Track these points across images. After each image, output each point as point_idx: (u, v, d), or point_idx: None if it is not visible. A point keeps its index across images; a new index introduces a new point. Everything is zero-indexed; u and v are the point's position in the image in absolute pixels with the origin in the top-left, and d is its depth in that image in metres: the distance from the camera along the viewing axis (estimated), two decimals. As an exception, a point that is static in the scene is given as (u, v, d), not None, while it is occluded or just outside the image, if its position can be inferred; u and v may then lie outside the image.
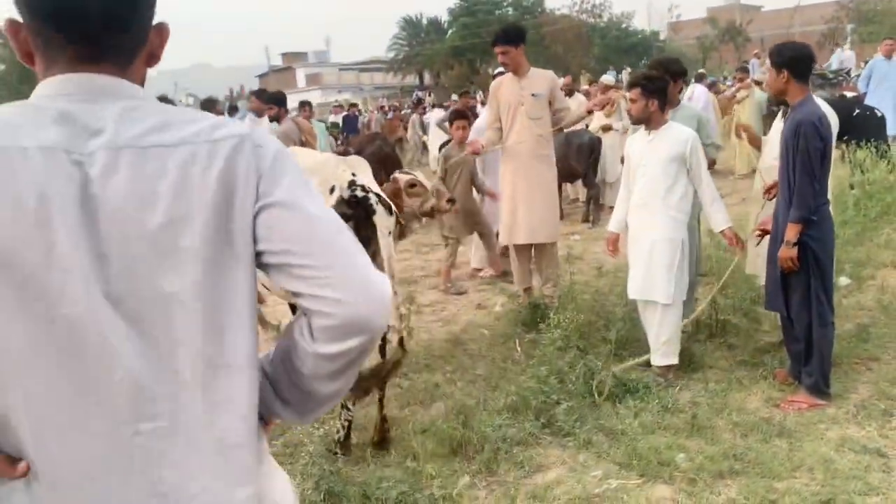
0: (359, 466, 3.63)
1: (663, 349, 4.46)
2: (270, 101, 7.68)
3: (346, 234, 1.24)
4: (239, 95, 52.49)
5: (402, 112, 21.79)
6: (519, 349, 5.04)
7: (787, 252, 3.97)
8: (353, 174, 3.59)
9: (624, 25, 48.16)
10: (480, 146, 5.75)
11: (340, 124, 18.26)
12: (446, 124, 8.72)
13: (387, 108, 22.69)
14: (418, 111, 20.18)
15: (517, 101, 5.63)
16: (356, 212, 3.47)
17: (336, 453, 3.63)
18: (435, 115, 15.13)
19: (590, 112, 6.89)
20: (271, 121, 7.44)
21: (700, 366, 4.61)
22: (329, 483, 3.21)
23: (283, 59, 67.96)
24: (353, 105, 20.35)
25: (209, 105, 10.53)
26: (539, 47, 38.47)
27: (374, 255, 3.45)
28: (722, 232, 4.48)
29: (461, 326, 5.63)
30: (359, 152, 13.21)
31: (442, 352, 5.12)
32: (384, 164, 8.67)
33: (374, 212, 3.49)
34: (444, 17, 51.16)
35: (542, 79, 5.71)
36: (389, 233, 3.53)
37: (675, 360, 4.48)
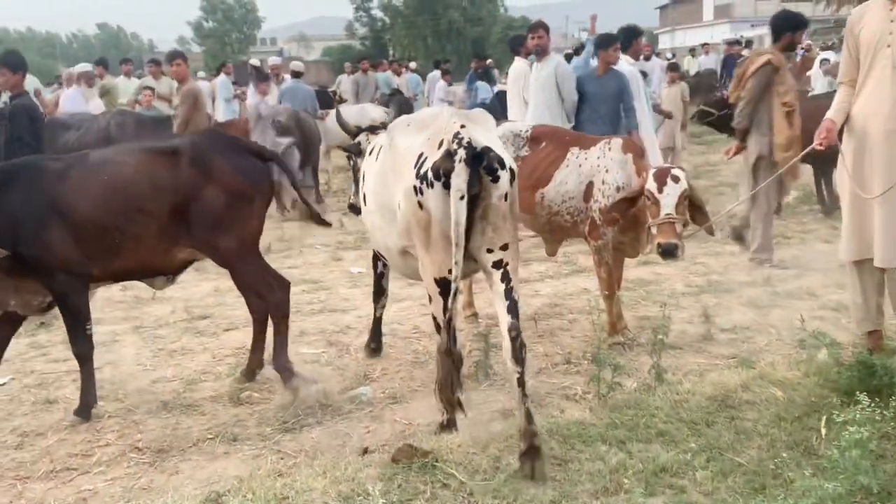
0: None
1: None
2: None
3: None
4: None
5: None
6: (823, 432, 3.57)
7: None
8: (463, 125, 3.52)
9: None
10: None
11: (720, 68, 16.42)
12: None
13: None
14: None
15: (881, 38, 3.97)
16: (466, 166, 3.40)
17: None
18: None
19: None
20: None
21: None
22: None
23: (691, -12, 64.89)
24: (737, 43, 18.08)
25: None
26: None
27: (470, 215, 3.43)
28: None
29: (742, 378, 4.22)
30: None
31: (694, 413, 3.85)
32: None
33: (453, 168, 3.39)
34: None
35: None
36: (462, 197, 3.35)
37: None
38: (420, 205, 3.52)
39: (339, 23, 69.02)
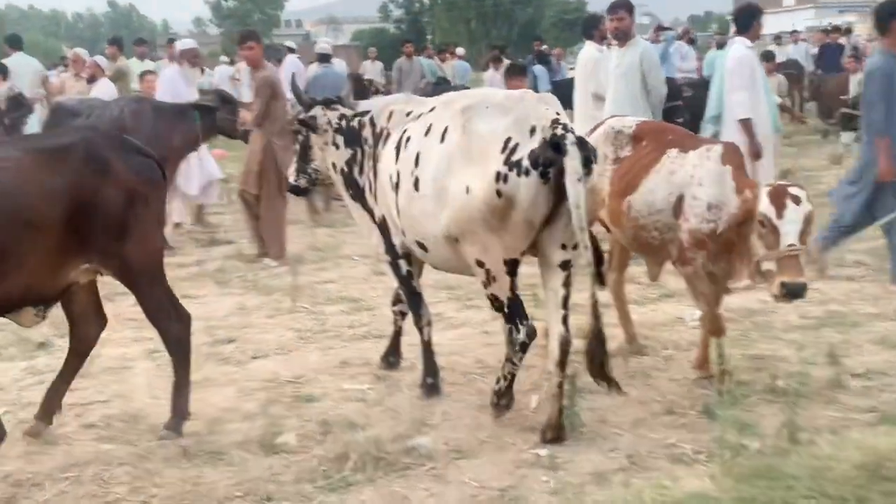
0: None
1: None
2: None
3: None
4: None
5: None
6: None
7: None
8: (558, 112, 3.87)
9: None
10: None
11: (813, 59, 15.88)
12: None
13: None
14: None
15: None
16: (557, 156, 3.71)
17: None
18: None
19: None
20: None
21: None
22: None
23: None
24: (836, 29, 17.44)
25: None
26: None
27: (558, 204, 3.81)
28: None
29: (892, 442, 3.77)
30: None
31: (841, 487, 3.41)
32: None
33: (566, 152, 3.69)
34: None
35: None
36: (579, 179, 3.69)
37: None
38: (499, 192, 3.74)
39: (373, 4, 69.21)
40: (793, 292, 4.02)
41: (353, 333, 5.79)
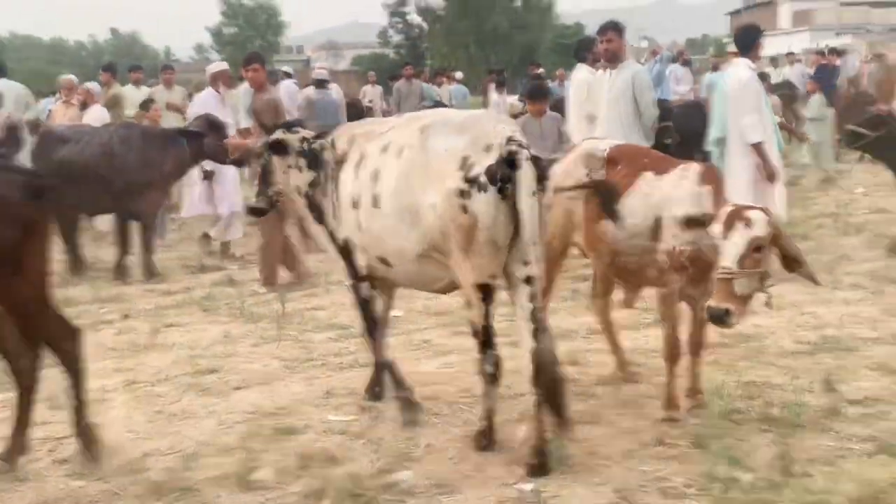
0: None
1: None
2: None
3: None
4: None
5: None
6: None
7: None
8: (514, 131, 3.94)
9: None
10: None
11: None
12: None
13: (891, 57, 19.10)
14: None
15: None
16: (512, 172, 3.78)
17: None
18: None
19: None
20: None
21: None
22: None
23: (766, -8, 64.34)
24: (833, 52, 17.38)
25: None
26: None
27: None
28: None
29: (892, 473, 3.62)
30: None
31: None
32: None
33: (519, 167, 3.76)
34: None
35: None
36: (532, 194, 3.78)
37: None
38: (464, 208, 3.79)
39: (373, 29, 69.54)
40: (712, 317, 3.85)
41: (340, 362, 5.64)
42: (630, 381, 5.08)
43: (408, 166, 4.04)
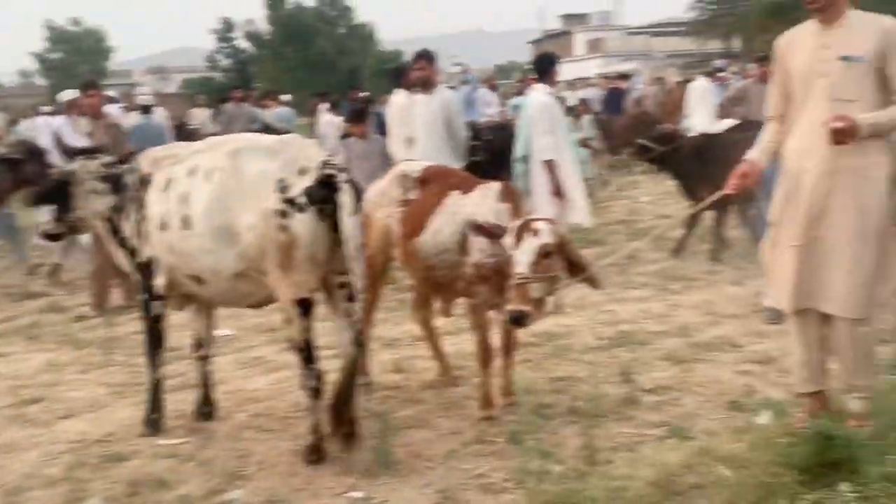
0: None
1: None
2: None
3: None
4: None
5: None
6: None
7: None
8: (328, 154, 4.06)
9: None
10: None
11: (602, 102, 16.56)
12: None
13: (671, 82, 20.34)
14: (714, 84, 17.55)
15: (814, 69, 3.72)
16: (330, 193, 3.82)
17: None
18: (697, 87, 12.93)
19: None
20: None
21: None
22: None
23: (562, 23, 67.24)
24: (622, 76, 18.32)
25: None
26: None
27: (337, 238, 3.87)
28: None
29: (682, 455, 3.79)
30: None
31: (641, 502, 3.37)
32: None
33: (339, 188, 3.82)
34: (764, -32, 46.68)
35: (867, 29, 3.69)
36: (352, 213, 3.83)
37: None
38: (283, 228, 3.77)
39: (201, 53, 67.18)
40: (512, 319, 3.95)
41: (169, 384, 5.28)
42: (452, 385, 5.09)
43: (221, 188, 3.95)
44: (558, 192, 7.33)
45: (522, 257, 3.91)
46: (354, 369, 4.04)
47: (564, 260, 4.09)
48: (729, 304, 6.57)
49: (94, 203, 4.53)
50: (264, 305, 4.41)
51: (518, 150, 7.41)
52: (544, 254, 3.93)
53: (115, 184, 4.50)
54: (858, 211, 3.71)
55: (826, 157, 3.72)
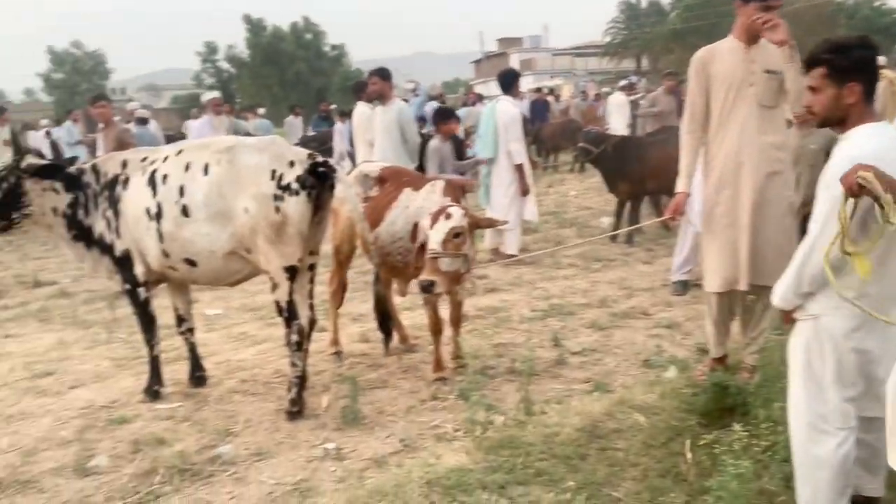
0: None
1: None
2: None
3: None
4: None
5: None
6: (689, 457, 3.23)
7: None
8: (311, 153, 4.03)
9: (878, 3, 41.33)
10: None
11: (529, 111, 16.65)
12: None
13: (591, 94, 20.57)
14: (628, 97, 17.78)
15: (744, 78, 3.84)
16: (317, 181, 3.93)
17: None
18: (615, 100, 13.30)
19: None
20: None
21: None
22: None
23: (498, 45, 67.28)
24: (540, 90, 18.53)
25: None
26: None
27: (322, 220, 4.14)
28: None
29: (604, 405, 3.86)
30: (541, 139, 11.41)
31: (567, 448, 3.42)
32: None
33: (333, 172, 4.00)
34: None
35: (775, 50, 3.78)
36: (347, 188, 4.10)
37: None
38: (277, 209, 3.84)
39: (188, 73, 65.70)
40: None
41: (165, 357, 5.16)
42: (410, 351, 5.09)
43: (218, 179, 3.92)
44: (525, 192, 7.40)
45: (435, 236, 3.94)
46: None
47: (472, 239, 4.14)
48: (641, 279, 6.67)
49: (49, 200, 4.21)
50: (243, 282, 4.37)
51: (484, 152, 7.47)
52: (454, 234, 3.95)
53: (72, 182, 4.22)
54: (786, 199, 3.86)
55: (760, 154, 3.81)
